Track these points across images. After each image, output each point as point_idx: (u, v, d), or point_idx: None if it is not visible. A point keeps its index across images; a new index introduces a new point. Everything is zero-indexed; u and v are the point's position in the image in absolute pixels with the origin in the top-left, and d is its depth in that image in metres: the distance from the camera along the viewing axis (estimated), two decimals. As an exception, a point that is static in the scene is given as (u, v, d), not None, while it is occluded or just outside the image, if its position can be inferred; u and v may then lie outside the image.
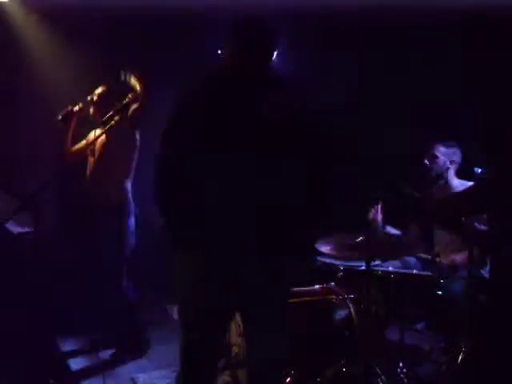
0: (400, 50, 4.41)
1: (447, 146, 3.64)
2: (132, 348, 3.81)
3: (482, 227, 3.06)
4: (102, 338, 3.85)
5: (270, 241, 2.16)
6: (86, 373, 3.52)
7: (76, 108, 3.72)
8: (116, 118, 3.07)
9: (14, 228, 3.43)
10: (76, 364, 3.63)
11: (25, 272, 3.61)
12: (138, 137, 3.71)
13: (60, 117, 3.72)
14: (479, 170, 3.01)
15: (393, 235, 3.60)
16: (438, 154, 3.62)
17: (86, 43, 4.28)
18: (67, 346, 3.85)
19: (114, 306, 3.79)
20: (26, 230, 3.53)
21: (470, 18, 3.93)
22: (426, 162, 3.65)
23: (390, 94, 4.53)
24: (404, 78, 4.46)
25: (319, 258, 3.39)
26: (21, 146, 4.41)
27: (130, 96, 3.15)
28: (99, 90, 3.72)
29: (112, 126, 3.09)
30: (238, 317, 3.14)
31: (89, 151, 3.77)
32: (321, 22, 4.41)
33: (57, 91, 4.05)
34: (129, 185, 3.78)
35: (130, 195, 3.77)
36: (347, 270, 3.29)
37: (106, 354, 3.78)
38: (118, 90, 3.68)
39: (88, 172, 3.79)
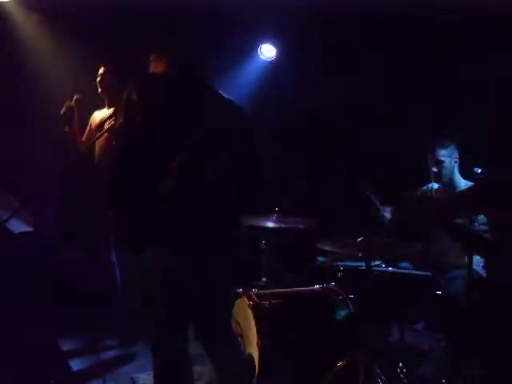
0: (400, 48, 4.42)
1: (445, 147, 3.62)
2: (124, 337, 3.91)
3: (480, 228, 3.07)
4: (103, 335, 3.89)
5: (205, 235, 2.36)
6: (87, 373, 3.52)
7: (72, 103, 3.87)
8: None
9: (15, 227, 3.42)
10: (76, 364, 3.63)
11: (25, 271, 3.61)
12: None
13: (62, 114, 3.87)
14: (479, 170, 3.01)
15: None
16: (442, 159, 3.59)
17: (86, 42, 4.28)
18: (67, 345, 3.86)
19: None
20: (27, 229, 3.53)
21: (470, 17, 3.93)
22: (434, 169, 3.61)
23: (389, 94, 4.54)
24: (403, 77, 4.47)
25: (319, 258, 3.40)
26: (22, 145, 4.41)
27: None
28: (101, 70, 3.95)
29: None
30: (236, 317, 3.16)
31: (96, 133, 3.89)
32: (322, 20, 4.42)
33: (58, 90, 4.06)
34: None
35: None
36: (347, 269, 3.29)
37: (105, 354, 3.79)
38: (116, 68, 3.95)
39: (98, 151, 3.89)
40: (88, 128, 4.05)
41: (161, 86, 2.40)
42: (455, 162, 3.62)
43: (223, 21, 4.50)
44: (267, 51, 4.93)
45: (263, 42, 4.91)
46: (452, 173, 3.63)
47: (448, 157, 3.60)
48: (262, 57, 4.96)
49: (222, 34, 4.53)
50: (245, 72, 5.01)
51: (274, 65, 4.98)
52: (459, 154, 3.65)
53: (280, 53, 4.93)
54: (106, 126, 3.64)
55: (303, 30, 4.52)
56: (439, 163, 3.60)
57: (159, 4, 4.12)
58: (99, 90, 3.97)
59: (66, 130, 3.94)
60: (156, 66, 2.56)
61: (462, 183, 3.62)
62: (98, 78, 3.96)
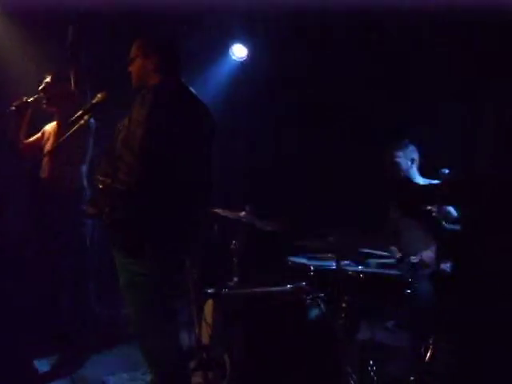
0: (377, 46, 4.46)
1: (402, 148, 3.67)
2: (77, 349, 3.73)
3: (451, 226, 3.12)
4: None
5: None
6: (55, 376, 3.46)
7: (31, 99, 3.70)
8: (85, 117, 2.99)
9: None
10: (44, 366, 3.55)
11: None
12: (92, 121, 3.67)
13: (14, 107, 3.69)
14: (446, 171, 3.05)
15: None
16: (398, 160, 3.65)
17: (55, 43, 4.20)
18: (35, 348, 3.76)
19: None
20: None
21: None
22: (390, 171, 3.68)
23: (367, 92, 4.57)
24: (379, 75, 4.51)
25: (290, 258, 3.41)
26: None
27: (99, 96, 3.06)
28: (47, 79, 3.74)
29: (81, 126, 3.01)
30: (208, 318, 3.15)
31: (43, 142, 3.79)
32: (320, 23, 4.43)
33: (21, 89, 3.96)
34: (84, 170, 3.78)
35: (85, 181, 3.76)
36: (318, 269, 3.31)
37: (75, 355, 3.72)
38: (66, 77, 3.69)
39: (44, 161, 3.73)
40: (40, 135, 3.87)
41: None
42: (412, 162, 3.67)
43: (194, 21, 4.48)
44: (238, 51, 4.92)
45: (234, 42, 4.90)
46: (408, 173, 3.68)
47: (403, 157, 3.65)
48: (233, 57, 4.96)
49: (192, 34, 4.51)
50: (216, 72, 4.99)
51: (245, 65, 4.99)
52: (420, 155, 3.69)
53: (251, 53, 4.93)
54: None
55: (274, 29, 4.53)
56: (394, 165, 3.66)
57: (129, 4, 4.06)
58: (44, 101, 3.72)
59: (11, 124, 3.74)
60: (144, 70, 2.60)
61: (421, 181, 3.68)
62: (45, 86, 3.71)
